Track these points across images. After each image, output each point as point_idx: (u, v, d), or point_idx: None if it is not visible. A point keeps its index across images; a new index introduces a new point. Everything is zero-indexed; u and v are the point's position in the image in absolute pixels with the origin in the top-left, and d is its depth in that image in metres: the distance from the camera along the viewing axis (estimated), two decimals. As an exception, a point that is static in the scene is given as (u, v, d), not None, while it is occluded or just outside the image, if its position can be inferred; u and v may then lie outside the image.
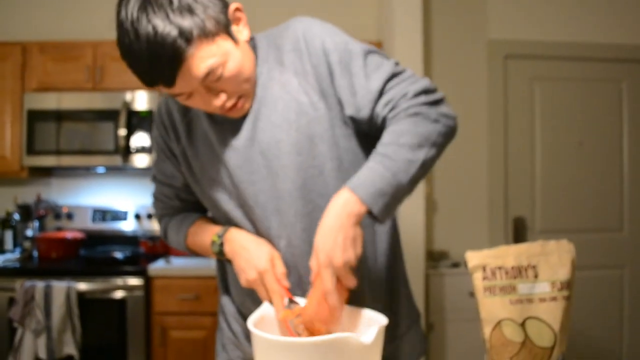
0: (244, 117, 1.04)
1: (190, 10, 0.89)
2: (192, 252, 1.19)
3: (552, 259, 0.89)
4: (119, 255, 2.72)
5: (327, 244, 0.88)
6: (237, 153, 1.04)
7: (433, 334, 2.82)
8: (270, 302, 1.01)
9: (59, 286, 2.42)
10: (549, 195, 3.20)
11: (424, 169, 0.94)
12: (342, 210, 0.89)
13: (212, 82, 0.95)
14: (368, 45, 1.04)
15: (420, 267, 2.68)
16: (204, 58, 0.91)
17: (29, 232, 2.94)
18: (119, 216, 3.08)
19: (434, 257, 3.00)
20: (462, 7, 3.17)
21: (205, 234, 1.13)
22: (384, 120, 0.99)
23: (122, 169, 3.11)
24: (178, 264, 2.65)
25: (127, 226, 3.08)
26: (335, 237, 0.88)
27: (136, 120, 2.80)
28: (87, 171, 3.17)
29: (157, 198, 1.23)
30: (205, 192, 1.11)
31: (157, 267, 2.60)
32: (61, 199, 3.17)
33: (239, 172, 1.04)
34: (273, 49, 1.05)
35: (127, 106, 2.79)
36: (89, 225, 3.06)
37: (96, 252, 2.91)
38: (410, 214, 2.59)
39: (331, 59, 1.01)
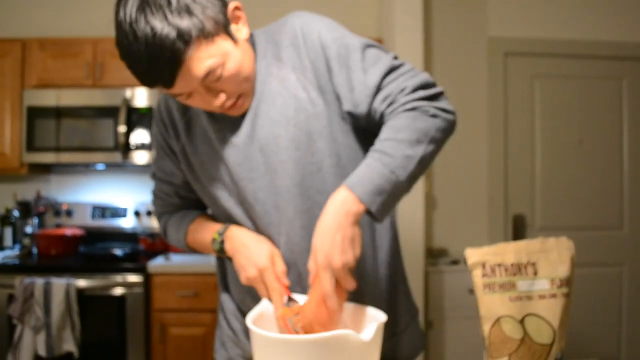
0: (243, 115, 1.04)
1: (189, 11, 0.88)
2: (192, 250, 1.19)
3: (552, 256, 0.89)
4: (118, 252, 2.72)
5: (325, 245, 0.87)
6: (236, 150, 1.04)
7: (432, 332, 2.82)
8: (270, 299, 1.00)
9: (59, 283, 2.42)
10: (549, 192, 3.20)
11: (423, 165, 0.92)
12: (340, 209, 0.88)
13: (211, 82, 0.95)
14: (367, 39, 1.03)
15: (420, 265, 2.67)
16: (203, 59, 0.90)
17: (29, 229, 2.94)
18: (118, 213, 3.08)
19: (434, 255, 3.00)
20: (462, 4, 3.17)
21: (206, 231, 1.13)
22: (382, 115, 0.98)
23: (121, 166, 3.11)
24: (177, 261, 2.65)
25: (127, 223, 3.08)
26: (334, 237, 0.87)
27: (136, 117, 2.79)
28: (86, 168, 3.17)
29: (157, 195, 1.23)
30: (205, 189, 1.11)
31: (157, 264, 2.60)
32: (61, 195, 3.17)
33: (238, 169, 1.04)
34: (271, 44, 1.05)
35: (127, 103, 2.78)
36: (88, 222, 3.06)
37: (96, 249, 2.91)
38: (410, 211, 2.58)
39: (329, 54, 1.00)
